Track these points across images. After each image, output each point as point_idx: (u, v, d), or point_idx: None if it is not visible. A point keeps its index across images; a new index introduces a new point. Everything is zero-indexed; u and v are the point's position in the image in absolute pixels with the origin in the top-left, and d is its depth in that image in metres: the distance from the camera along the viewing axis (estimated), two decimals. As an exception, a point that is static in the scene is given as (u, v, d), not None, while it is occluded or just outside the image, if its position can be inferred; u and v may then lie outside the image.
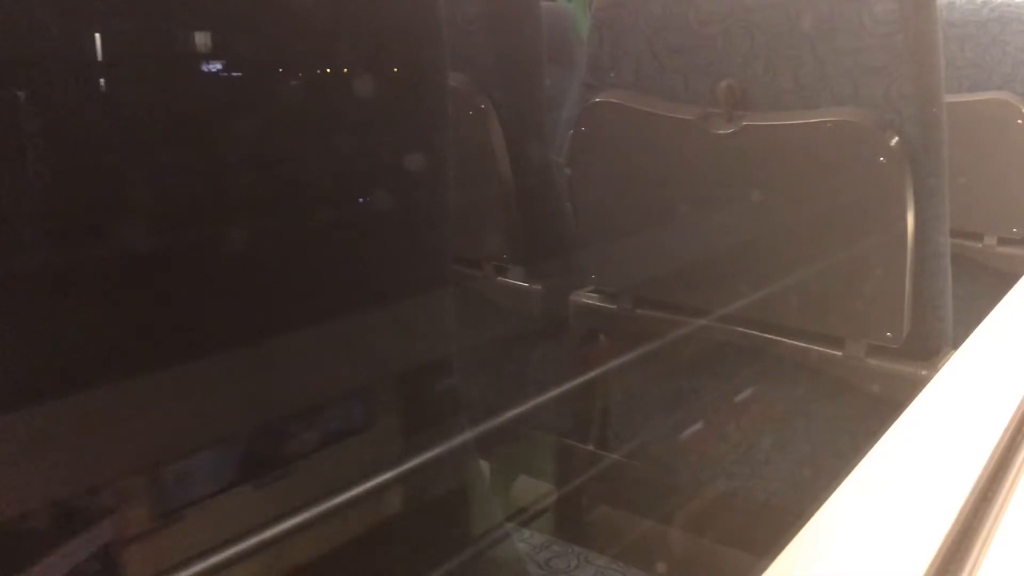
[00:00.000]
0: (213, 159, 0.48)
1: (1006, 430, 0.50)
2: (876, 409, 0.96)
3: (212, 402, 0.50)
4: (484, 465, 0.71)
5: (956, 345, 0.79)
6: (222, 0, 0.49)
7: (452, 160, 0.61)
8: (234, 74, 0.49)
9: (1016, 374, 0.58)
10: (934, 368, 0.93)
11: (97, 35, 0.42)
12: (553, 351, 1.37)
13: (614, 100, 1.02)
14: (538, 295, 1.24)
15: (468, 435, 0.66)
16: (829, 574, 0.37)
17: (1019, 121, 1.47)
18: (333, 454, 0.59)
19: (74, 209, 0.42)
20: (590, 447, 1.23)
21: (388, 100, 0.57)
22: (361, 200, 0.57)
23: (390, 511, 0.61)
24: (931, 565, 0.38)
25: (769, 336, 1.02)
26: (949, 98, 0.92)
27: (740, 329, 1.03)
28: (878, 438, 0.48)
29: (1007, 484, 0.45)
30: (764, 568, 0.37)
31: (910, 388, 0.63)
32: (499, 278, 1.27)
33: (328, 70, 0.54)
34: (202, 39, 0.47)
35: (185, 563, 0.48)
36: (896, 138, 0.87)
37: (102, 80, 0.44)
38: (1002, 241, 1.55)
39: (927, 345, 0.94)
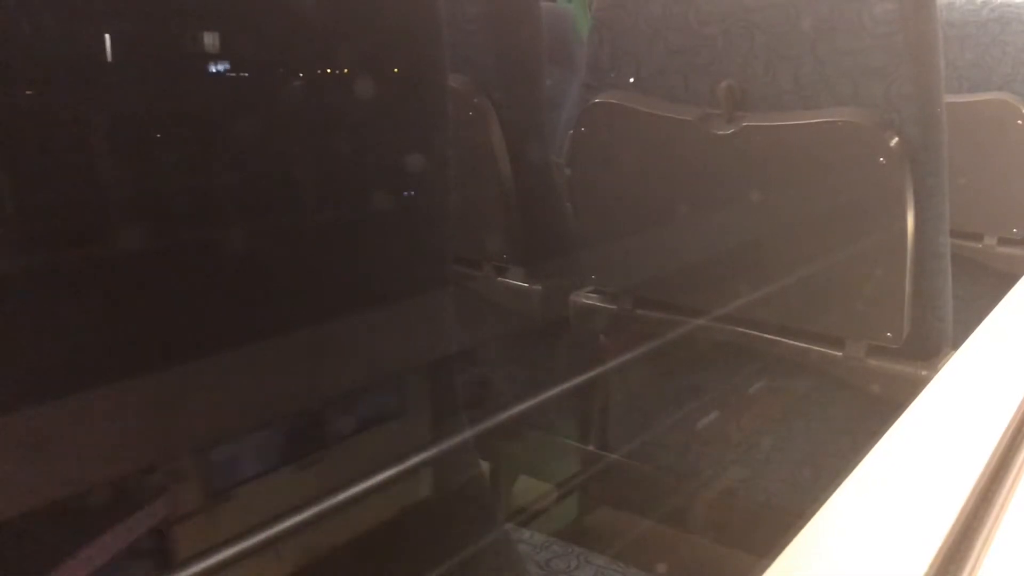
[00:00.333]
0: (212, 160, 0.48)
1: (1006, 430, 0.50)
2: (876, 409, 0.96)
3: (211, 403, 0.50)
4: (484, 465, 0.71)
5: (956, 345, 0.79)
6: (222, 1, 0.49)
7: (452, 160, 0.61)
8: (232, 74, 0.49)
9: (1016, 374, 0.58)
10: (934, 368, 0.93)
11: (97, 36, 0.42)
12: (553, 351, 1.37)
13: (614, 101, 1.03)
14: (538, 295, 1.24)
15: (468, 435, 0.66)
16: (829, 574, 0.37)
17: (1019, 121, 1.47)
18: (333, 454, 0.59)
19: (99, 211, 0.43)
20: (590, 447, 1.23)
21: (388, 100, 0.57)
22: (360, 200, 0.57)
23: (390, 511, 0.61)
24: (931, 565, 0.38)
25: (769, 336, 1.02)
26: (949, 98, 0.92)
27: (740, 329, 1.03)
28: (878, 438, 0.48)
29: (1007, 484, 0.45)
30: (764, 568, 0.37)
31: (910, 388, 0.63)
32: (499, 278, 1.27)
33: (327, 70, 0.54)
34: (201, 39, 0.47)
35: (185, 563, 0.48)
36: (896, 138, 0.87)
37: (102, 80, 0.44)
38: (1002, 241, 1.55)
39: (927, 345, 0.94)
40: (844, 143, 0.89)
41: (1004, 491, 0.45)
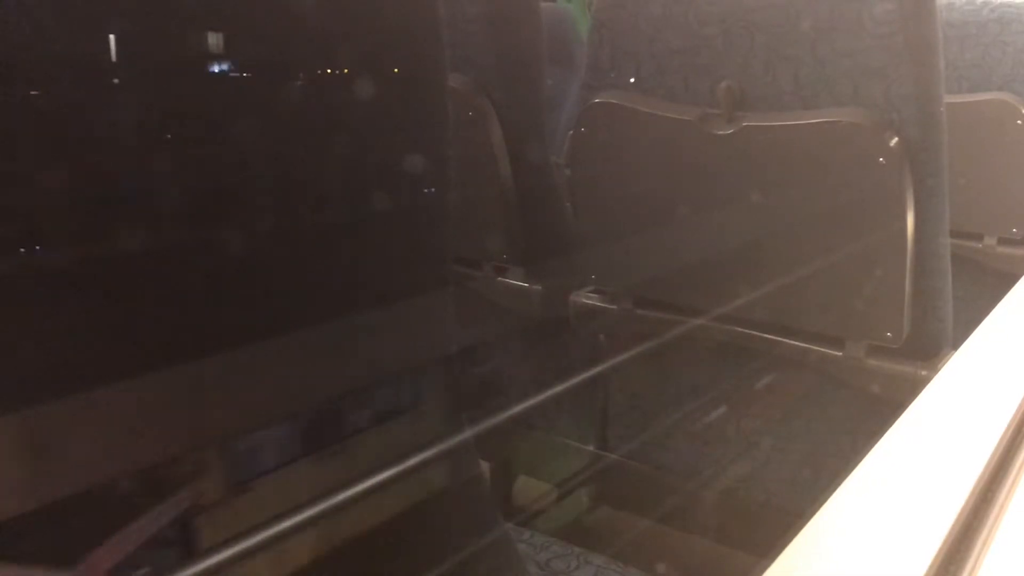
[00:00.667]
0: (211, 161, 0.48)
1: (1006, 430, 0.50)
2: (876, 409, 0.96)
3: (209, 404, 0.50)
4: (484, 465, 0.71)
5: (956, 345, 0.79)
6: (220, 1, 0.49)
7: (452, 160, 0.61)
8: (232, 75, 0.49)
9: (1016, 374, 0.58)
10: (934, 368, 0.93)
11: (97, 37, 0.42)
12: (553, 351, 1.37)
13: (614, 101, 1.03)
14: (538, 295, 1.24)
15: (468, 435, 0.66)
16: (829, 574, 0.37)
17: (1019, 121, 1.47)
18: (332, 455, 0.59)
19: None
20: (590, 447, 1.23)
21: (388, 101, 0.57)
22: (360, 200, 0.57)
23: (390, 511, 0.61)
24: (931, 565, 0.38)
25: (769, 336, 1.02)
26: (949, 98, 0.92)
27: (740, 329, 1.03)
28: (878, 438, 0.48)
29: (1007, 484, 0.45)
30: (764, 568, 0.37)
31: (910, 388, 0.63)
32: (499, 278, 1.27)
33: (327, 70, 0.54)
34: (200, 40, 0.47)
35: (186, 563, 0.48)
36: (896, 138, 0.87)
37: (101, 81, 0.44)
38: (1002, 241, 1.55)
39: (927, 345, 0.94)
40: (844, 143, 0.89)
41: (1004, 491, 0.45)
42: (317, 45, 0.53)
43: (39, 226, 0.41)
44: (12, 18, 0.39)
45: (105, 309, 0.44)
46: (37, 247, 0.41)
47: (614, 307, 1.13)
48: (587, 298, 1.16)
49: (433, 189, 0.61)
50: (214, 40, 0.47)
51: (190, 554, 0.50)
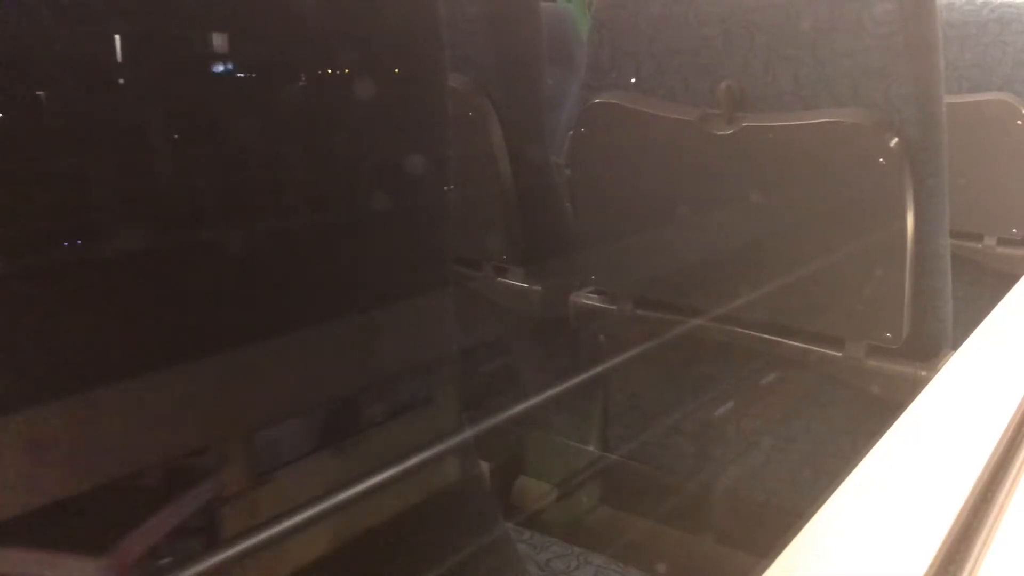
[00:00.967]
0: (212, 161, 0.48)
1: (1006, 431, 0.50)
2: (876, 409, 0.96)
3: (209, 404, 0.50)
4: (484, 465, 0.71)
5: (956, 346, 0.79)
6: (221, 1, 0.49)
7: (452, 160, 0.61)
8: (232, 75, 0.49)
9: (1016, 375, 0.58)
10: (934, 369, 0.92)
11: (98, 37, 0.42)
12: (553, 351, 1.37)
13: (614, 101, 1.03)
14: (538, 296, 1.24)
15: (468, 435, 0.66)
16: (829, 574, 0.37)
17: (1019, 122, 1.47)
18: (332, 455, 0.59)
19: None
20: (590, 447, 1.23)
21: (388, 101, 0.57)
22: (360, 200, 0.57)
23: (390, 510, 0.61)
24: (931, 565, 0.38)
25: (769, 337, 1.02)
26: (949, 99, 0.92)
27: (740, 330, 1.03)
28: (878, 438, 0.48)
29: (1007, 484, 0.45)
30: (764, 568, 0.37)
31: (910, 389, 0.63)
32: (499, 279, 1.27)
33: (328, 71, 0.54)
34: (201, 40, 0.47)
35: (186, 562, 0.48)
36: (896, 139, 0.87)
37: (101, 81, 0.44)
38: (1002, 242, 1.55)
39: (927, 346, 0.94)
40: (844, 143, 0.89)
41: (1004, 491, 0.45)
42: (317, 45, 0.53)
43: (95, 222, 0.43)
44: (12, 18, 0.39)
45: (132, 310, 0.45)
46: (91, 241, 0.43)
47: (614, 307, 1.13)
48: (587, 298, 1.16)
49: (433, 189, 0.61)
50: (214, 40, 0.47)
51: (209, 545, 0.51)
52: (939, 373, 0.60)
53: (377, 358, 0.60)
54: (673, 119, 0.99)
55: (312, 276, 0.54)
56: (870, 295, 0.93)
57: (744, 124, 0.95)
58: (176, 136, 0.47)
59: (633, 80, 1.03)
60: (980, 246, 1.55)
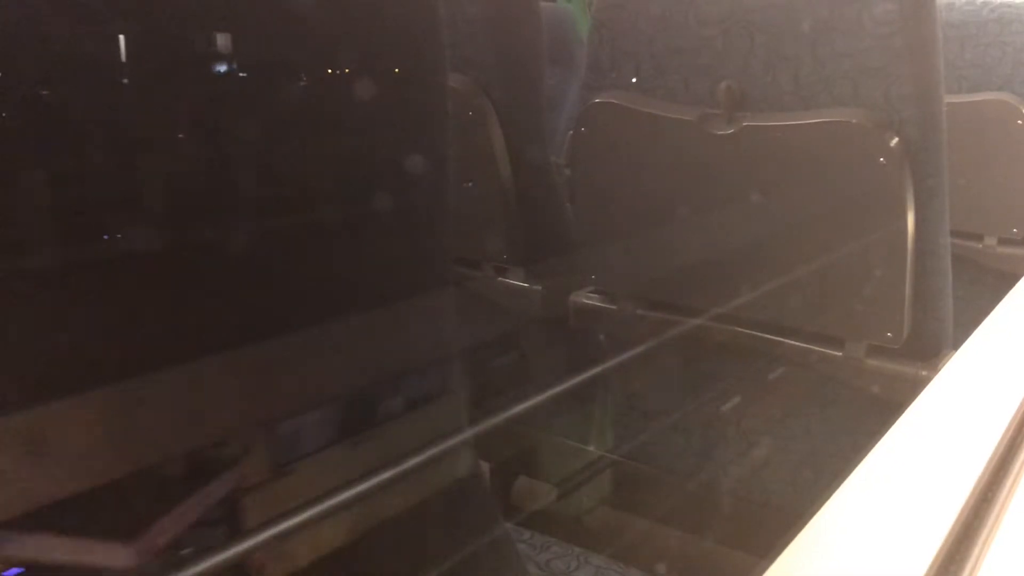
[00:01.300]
0: (212, 161, 0.48)
1: (1006, 431, 0.50)
2: (876, 409, 0.96)
3: (208, 404, 0.50)
4: (484, 465, 0.71)
5: (956, 346, 0.79)
6: (221, 1, 0.49)
7: (452, 160, 0.61)
8: (232, 75, 0.49)
9: (1016, 375, 0.58)
10: (934, 369, 0.92)
11: (99, 37, 0.42)
12: (553, 351, 1.37)
13: (614, 101, 1.03)
14: (538, 295, 1.24)
15: (468, 435, 0.66)
16: (829, 574, 0.37)
17: (1019, 121, 1.47)
18: (332, 455, 0.59)
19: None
20: (590, 447, 1.24)
21: (388, 101, 0.57)
22: (359, 200, 0.57)
23: (389, 511, 0.61)
24: (932, 565, 0.38)
25: (769, 337, 1.02)
26: (949, 99, 0.92)
27: (740, 330, 1.03)
28: (878, 438, 0.48)
29: (1007, 484, 0.45)
30: (764, 568, 0.37)
31: (910, 388, 0.63)
32: (499, 278, 1.27)
33: (327, 71, 0.54)
34: (200, 40, 0.47)
35: (187, 560, 0.48)
36: (896, 139, 0.87)
37: (101, 81, 0.44)
38: (1002, 241, 1.55)
39: (927, 345, 0.94)
40: (844, 143, 0.89)
41: (1004, 491, 0.45)
42: (317, 45, 0.53)
43: (108, 221, 0.44)
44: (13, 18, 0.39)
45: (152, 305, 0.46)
46: (112, 236, 0.44)
47: (614, 307, 1.13)
48: (587, 298, 1.16)
49: (433, 189, 0.61)
50: (214, 40, 0.47)
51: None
52: (940, 373, 0.60)
53: (377, 358, 0.60)
54: (673, 119, 0.99)
55: (311, 276, 0.54)
56: (870, 295, 0.93)
57: (744, 124, 0.95)
58: (176, 136, 0.47)
59: (633, 80, 1.03)
60: (980, 246, 1.55)
